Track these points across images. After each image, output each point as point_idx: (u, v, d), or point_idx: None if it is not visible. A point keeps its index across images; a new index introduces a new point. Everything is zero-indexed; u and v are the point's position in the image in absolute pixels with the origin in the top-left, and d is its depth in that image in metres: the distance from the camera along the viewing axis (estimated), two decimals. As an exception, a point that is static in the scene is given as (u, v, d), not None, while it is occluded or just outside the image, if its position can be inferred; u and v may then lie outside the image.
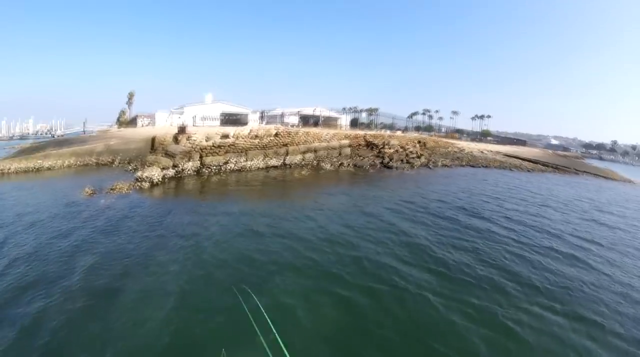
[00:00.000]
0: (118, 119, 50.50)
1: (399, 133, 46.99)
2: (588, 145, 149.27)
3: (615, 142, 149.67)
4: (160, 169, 17.09)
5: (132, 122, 46.53)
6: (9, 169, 18.89)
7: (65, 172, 19.89)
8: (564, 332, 6.19)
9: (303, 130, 27.55)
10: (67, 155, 21.88)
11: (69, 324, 5.60)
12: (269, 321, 2.43)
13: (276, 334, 2.18)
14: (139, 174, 16.09)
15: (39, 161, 20.36)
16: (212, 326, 5.64)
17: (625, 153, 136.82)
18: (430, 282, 7.65)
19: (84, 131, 44.95)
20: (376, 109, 62.18)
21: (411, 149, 33.10)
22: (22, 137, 50.47)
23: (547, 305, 7.03)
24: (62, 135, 42.40)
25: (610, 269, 9.31)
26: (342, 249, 9.22)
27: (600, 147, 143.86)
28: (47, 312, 5.87)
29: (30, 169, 19.69)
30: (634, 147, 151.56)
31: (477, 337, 5.83)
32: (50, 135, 48.30)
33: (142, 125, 41.89)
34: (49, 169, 20.23)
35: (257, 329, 2.47)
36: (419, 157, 32.78)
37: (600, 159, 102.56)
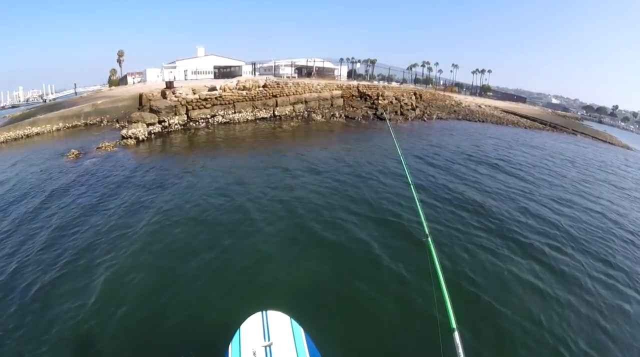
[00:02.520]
0: (109, 79, 49.17)
1: (395, 84, 45.30)
2: (589, 108, 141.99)
3: (616, 107, 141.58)
4: (146, 125, 16.95)
5: (123, 80, 45.41)
6: (-1, 140, 18.65)
7: (55, 136, 19.80)
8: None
9: (293, 81, 26.65)
10: (55, 119, 21.60)
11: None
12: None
13: None
14: (123, 132, 16.01)
15: (27, 128, 20.13)
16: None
17: (625, 119, 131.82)
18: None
19: (75, 93, 43.98)
20: (374, 60, 59.29)
21: (406, 101, 32.06)
22: (14, 106, 49.62)
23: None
24: (53, 100, 41.61)
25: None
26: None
27: (601, 110, 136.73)
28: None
29: (21, 137, 19.58)
30: (635, 114, 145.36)
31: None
32: (42, 101, 47.44)
33: (133, 83, 40.94)
34: (38, 134, 20.10)
35: None
36: (413, 109, 31.83)
37: (600, 122, 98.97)
